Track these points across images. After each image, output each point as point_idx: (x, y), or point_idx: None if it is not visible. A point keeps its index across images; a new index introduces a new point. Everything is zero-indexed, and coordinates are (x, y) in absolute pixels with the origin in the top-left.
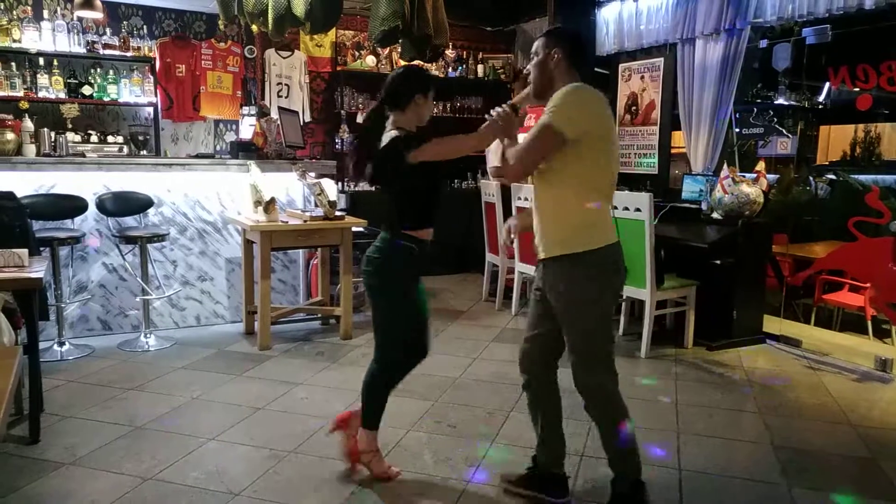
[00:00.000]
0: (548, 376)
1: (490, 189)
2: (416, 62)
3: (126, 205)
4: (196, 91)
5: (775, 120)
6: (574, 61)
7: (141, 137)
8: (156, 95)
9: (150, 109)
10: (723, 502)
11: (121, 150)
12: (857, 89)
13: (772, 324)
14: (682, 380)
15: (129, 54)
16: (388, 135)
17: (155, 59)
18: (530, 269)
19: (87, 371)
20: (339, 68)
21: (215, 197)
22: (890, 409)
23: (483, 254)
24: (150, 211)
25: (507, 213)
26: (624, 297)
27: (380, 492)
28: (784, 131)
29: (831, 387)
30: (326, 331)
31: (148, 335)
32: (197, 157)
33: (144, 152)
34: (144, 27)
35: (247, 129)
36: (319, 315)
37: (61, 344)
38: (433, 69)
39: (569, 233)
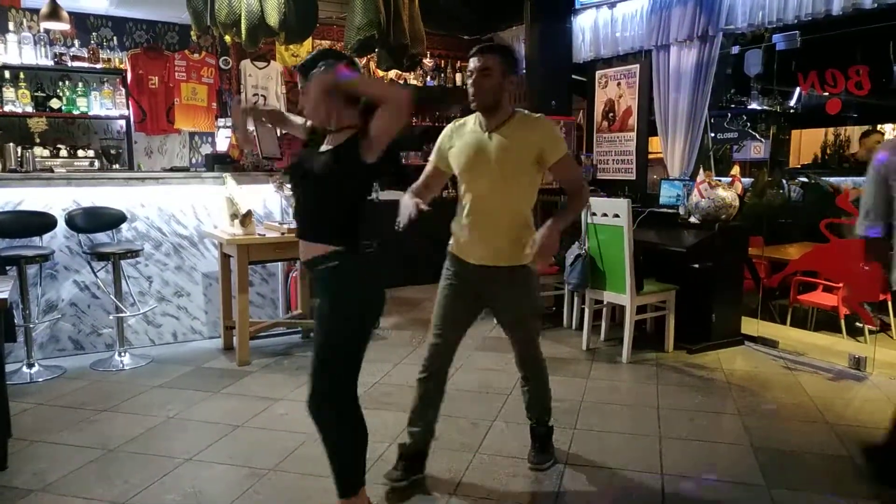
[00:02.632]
0: (448, 370)
1: None
2: (393, 70)
3: (97, 220)
4: (170, 103)
5: (748, 125)
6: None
7: (113, 151)
8: (128, 108)
9: (123, 122)
10: None
11: (92, 164)
12: (826, 94)
13: (749, 325)
14: (663, 384)
15: (98, 66)
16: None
17: (126, 70)
18: None
19: (57, 393)
20: None
21: (191, 211)
22: (864, 406)
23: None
24: (124, 226)
25: None
26: (605, 303)
27: None
28: (757, 136)
29: (808, 386)
30: (307, 344)
31: (122, 354)
32: (171, 170)
33: (117, 166)
34: (115, 38)
35: (223, 141)
36: (299, 328)
37: (30, 365)
38: (411, 78)
39: (524, 246)
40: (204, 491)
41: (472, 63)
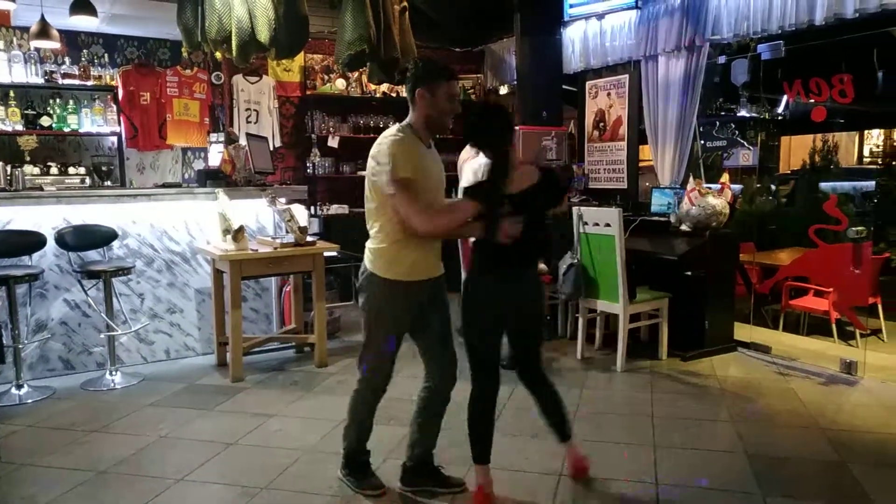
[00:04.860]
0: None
1: None
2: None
3: (87, 238)
4: (162, 119)
5: (737, 132)
6: None
7: (104, 168)
8: (119, 124)
9: (114, 139)
10: None
11: (83, 181)
12: (812, 101)
13: (742, 331)
14: (657, 392)
15: (89, 83)
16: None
17: (117, 87)
18: None
19: (47, 414)
20: (308, 92)
21: (183, 227)
22: (856, 411)
23: (460, 273)
24: (115, 244)
25: None
26: (598, 312)
27: None
28: (745, 143)
29: (800, 392)
30: (301, 359)
31: (114, 372)
32: (163, 186)
33: (109, 183)
34: (106, 55)
35: (215, 156)
36: (293, 343)
37: (19, 387)
38: (403, 91)
39: None
40: None
41: (455, 88)
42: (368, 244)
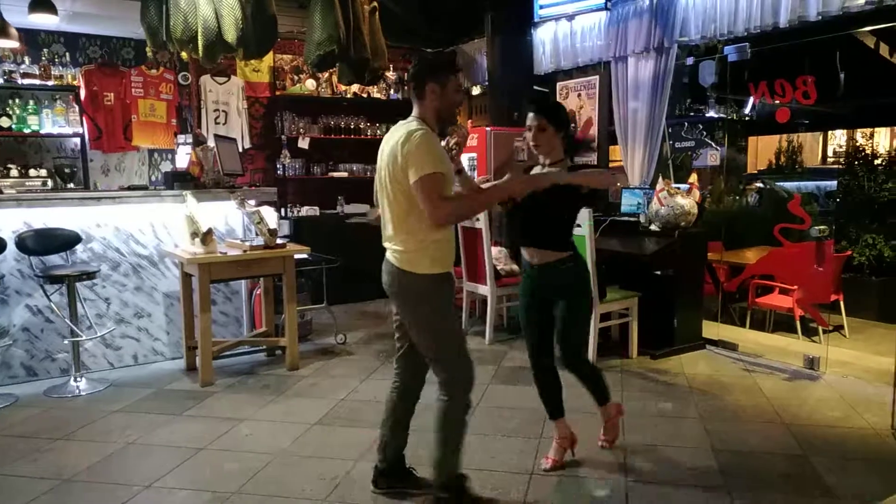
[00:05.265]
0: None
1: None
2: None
3: (50, 242)
4: (127, 120)
5: (705, 133)
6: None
7: (67, 170)
8: (82, 125)
9: (77, 140)
10: None
11: (45, 183)
12: (777, 102)
13: (710, 329)
14: (627, 390)
15: (50, 83)
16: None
17: (79, 87)
18: (480, 288)
19: (9, 422)
20: (277, 93)
21: (150, 230)
22: (818, 406)
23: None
24: (79, 248)
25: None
26: None
27: None
28: (713, 144)
29: (765, 388)
30: (272, 362)
31: (79, 378)
32: (129, 188)
33: (72, 185)
34: (67, 54)
35: (183, 158)
36: (264, 347)
37: None
38: (374, 92)
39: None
40: None
41: (461, 80)
42: (400, 248)
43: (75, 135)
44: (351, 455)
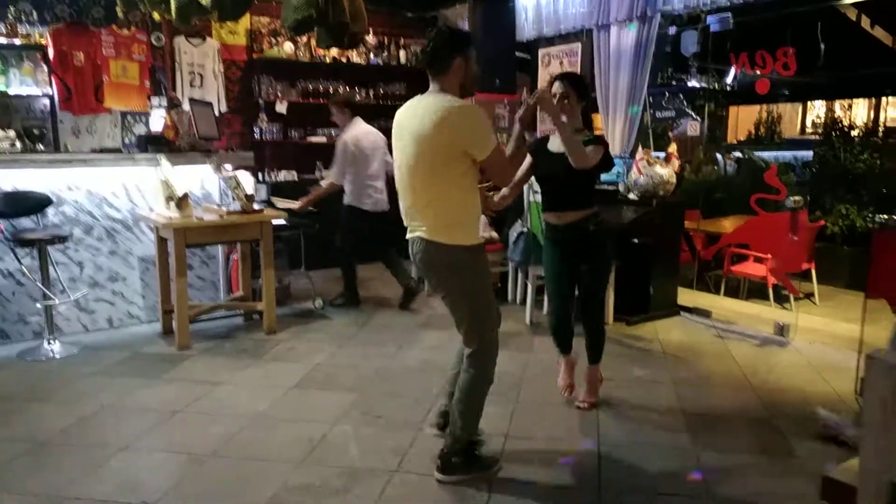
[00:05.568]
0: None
1: None
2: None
3: (19, 205)
4: (98, 81)
5: (685, 103)
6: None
7: (36, 131)
8: (51, 86)
9: (46, 101)
10: (637, 470)
11: (13, 145)
12: (757, 73)
13: (686, 296)
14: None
15: (17, 42)
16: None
17: (48, 46)
18: None
19: None
20: (255, 56)
21: (124, 193)
22: (786, 371)
23: None
24: (50, 211)
25: None
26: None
27: (306, 488)
28: (693, 114)
29: (736, 353)
30: (249, 327)
31: (52, 342)
32: (101, 151)
33: (41, 147)
34: (34, 13)
35: (157, 121)
36: (241, 311)
37: None
38: (354, 56)
39: None
40: (140, 480)
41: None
42: (433, 222)
43: (45, 95)
44: (327, 418)
